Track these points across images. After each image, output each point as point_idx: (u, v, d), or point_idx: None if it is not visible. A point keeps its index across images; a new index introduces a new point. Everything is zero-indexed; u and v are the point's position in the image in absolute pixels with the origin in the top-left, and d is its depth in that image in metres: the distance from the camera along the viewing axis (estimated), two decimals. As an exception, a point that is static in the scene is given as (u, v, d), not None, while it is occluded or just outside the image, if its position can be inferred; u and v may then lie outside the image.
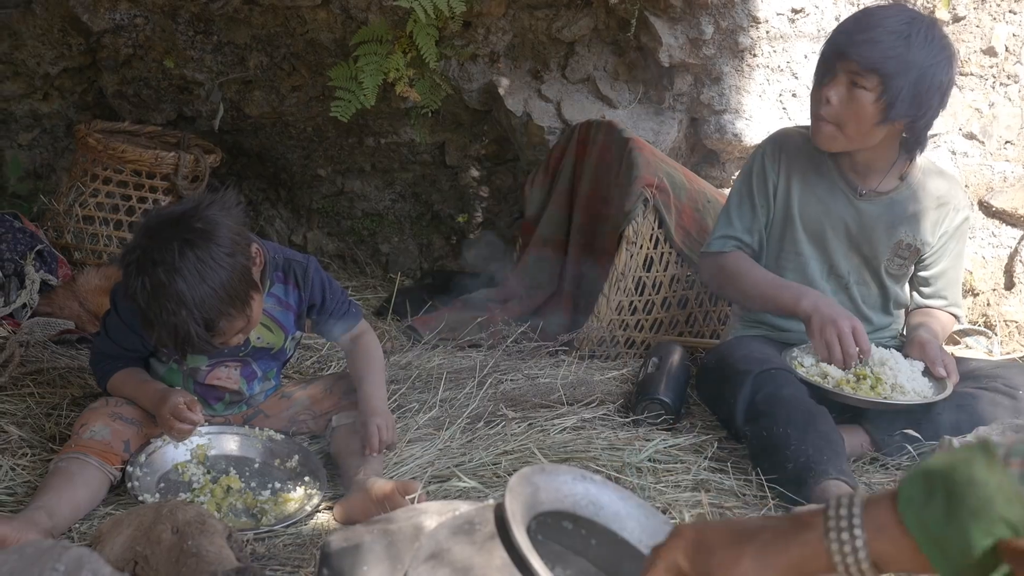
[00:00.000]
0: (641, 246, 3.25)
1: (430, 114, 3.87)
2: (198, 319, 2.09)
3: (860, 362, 2.61)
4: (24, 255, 3.14)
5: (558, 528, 1.53)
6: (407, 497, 2.10)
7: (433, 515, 1.54)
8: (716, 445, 2.64)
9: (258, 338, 2.45)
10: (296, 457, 2.46)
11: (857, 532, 1.08)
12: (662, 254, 3.30)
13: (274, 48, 3.85)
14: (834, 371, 2.63)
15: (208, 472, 2.37)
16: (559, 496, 1.50)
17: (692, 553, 1.21)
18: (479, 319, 3.44)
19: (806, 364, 2.70)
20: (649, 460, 2.52)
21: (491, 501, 1.48)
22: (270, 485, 2.36)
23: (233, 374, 2.49)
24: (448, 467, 2.42)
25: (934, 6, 3.70)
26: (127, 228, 3.59)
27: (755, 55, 3.73)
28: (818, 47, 3.78)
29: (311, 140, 4.15)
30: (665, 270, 3.32)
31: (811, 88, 2.74)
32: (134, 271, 2.09)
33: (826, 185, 2.80)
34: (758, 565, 1.15)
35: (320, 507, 2.30)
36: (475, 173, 4.16)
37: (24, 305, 3.02)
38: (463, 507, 1.53)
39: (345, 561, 1.49)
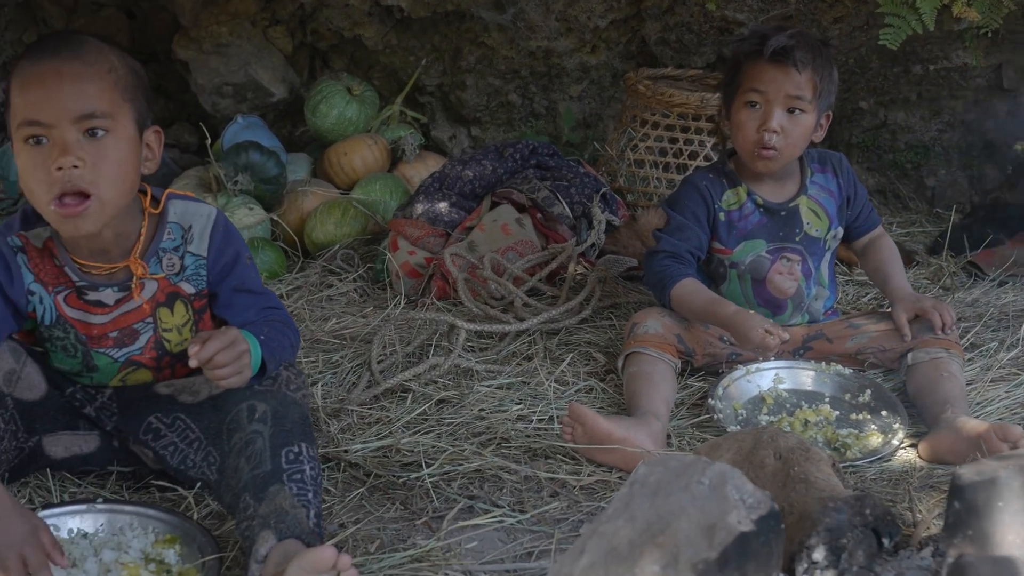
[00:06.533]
0: None
1: (988, 34, 3.59)
2: None
3: None
4: (590, 197, 3.35)
5: None
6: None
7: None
8: None
9: (807, 224, 2.55)
10: (868, 392, 2.42)
11: None
12: None
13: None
14: None
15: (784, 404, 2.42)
16: None
17: None
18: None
19: None
20: None
21: None
22: (849, 418, 2.34)
23: (795, 269, 2.55)
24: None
25: None
26: (675, 171, 3.71)
27: None
28: None
29: (852, 72, 4.01)
30: None
31: None
32: None
33: None
34: None
35: (904, 443, 2.24)
36: (1037, 95, 3.81)
37: (592, 244, 3.23)
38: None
39: (979, 494, 1.44)
